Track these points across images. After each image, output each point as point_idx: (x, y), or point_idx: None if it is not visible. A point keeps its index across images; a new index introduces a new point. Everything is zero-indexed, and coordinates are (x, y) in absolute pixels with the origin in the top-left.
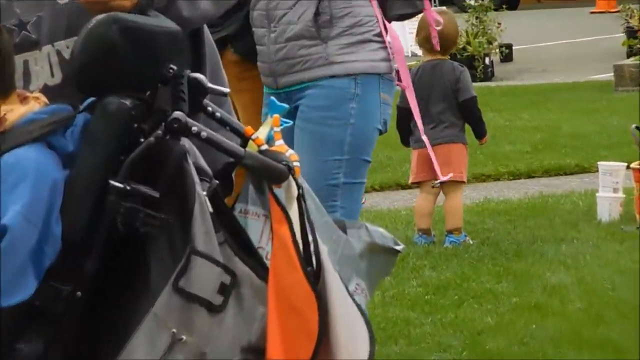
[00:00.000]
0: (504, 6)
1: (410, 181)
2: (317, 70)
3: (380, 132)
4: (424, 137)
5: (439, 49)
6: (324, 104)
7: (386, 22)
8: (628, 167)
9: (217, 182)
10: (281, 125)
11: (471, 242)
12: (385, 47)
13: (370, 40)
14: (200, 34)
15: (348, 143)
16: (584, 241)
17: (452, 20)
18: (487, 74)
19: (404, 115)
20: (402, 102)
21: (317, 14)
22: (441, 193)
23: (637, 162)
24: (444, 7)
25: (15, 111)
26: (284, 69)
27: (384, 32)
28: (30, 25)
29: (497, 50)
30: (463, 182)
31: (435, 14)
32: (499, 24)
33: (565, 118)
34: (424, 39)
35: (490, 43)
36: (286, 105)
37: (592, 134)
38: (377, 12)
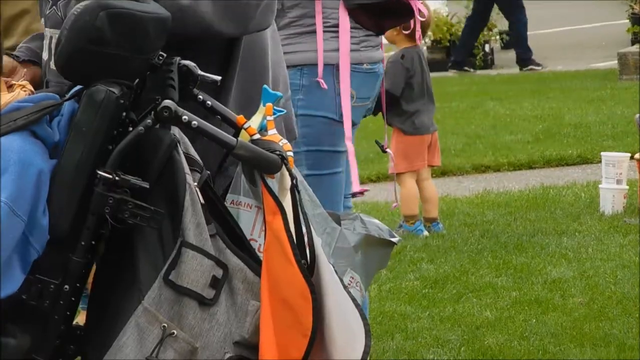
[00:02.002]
0: None
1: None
2: None
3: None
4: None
5: (421, 40)
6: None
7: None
8: (632, 158)
9: (208, 172)
10: (274, 114)
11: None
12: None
13: (324, 31)
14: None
15: (300, 135)
16: (586, 234)
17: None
18: (487, 62)
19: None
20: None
21: None
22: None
23: None
24: None
25: (1, 98)
26: None
27: (337, 23)
28: (61, 3)
29: (498, 37)
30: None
31: (420, 4)
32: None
33: (568, 107)
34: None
35: (490, 30)
36: (280, 94)
37: (595, 124)
38: (319, 5)
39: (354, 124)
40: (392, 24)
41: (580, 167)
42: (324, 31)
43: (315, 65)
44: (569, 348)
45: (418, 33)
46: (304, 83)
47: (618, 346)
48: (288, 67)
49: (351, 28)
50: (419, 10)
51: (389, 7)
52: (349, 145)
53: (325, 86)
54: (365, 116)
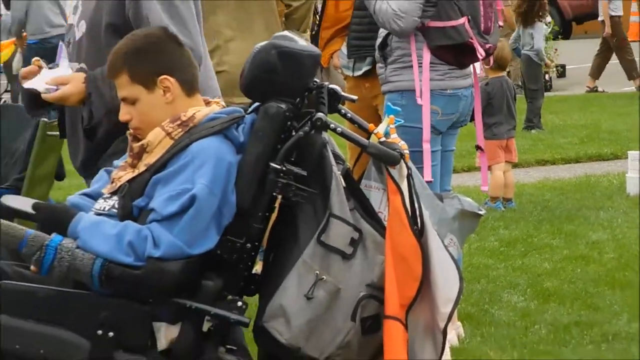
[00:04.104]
0: (559, 36)
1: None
2: (383, 86)
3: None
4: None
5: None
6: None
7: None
8: None
9: (348, 165)
10: (395, 123)
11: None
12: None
13: (411, 66)
14: None
15: (402, 139)
16: (617, 209)
17: (505, 46)
18: (547, 87)
19: None
20: None
21: (383, 45)
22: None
23: None
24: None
25: (202, 111)
26: None
27: (421, 61)
28: None
29: (555, 68)
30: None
31: (480, 47)
32: (556, 49)
33: (604, 119)
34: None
35: (548, 65)
36: (399, 109)
37: (623, 131)
38: (413, 46)
39: (439, 132)
40: (470, 60)
41: (612, 161)
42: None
43: (410, 90)
44: (604, 290)
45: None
46: (403, 103)
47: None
48: (392, 91)
49: (437, 63)
50: (480, 51)
51: (467, 48)
52: (426, 147)
53: (425, 101)
54: (459, 126)
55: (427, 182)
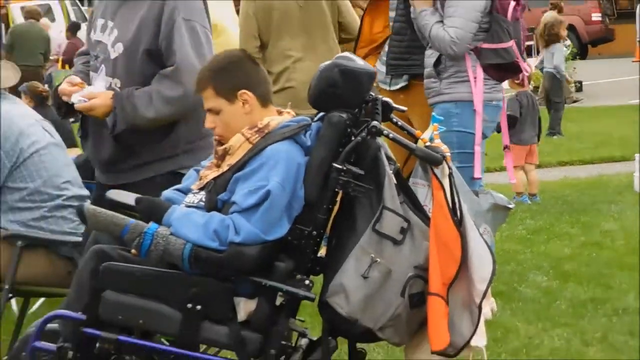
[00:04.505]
0: (577, 57)
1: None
2: (434, 98)
3: (484, 136)
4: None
5: (525, 86)
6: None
7: (478, 69)
8: None
9: (398, 165)
10: (438, 130)
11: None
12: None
13: (466, 81)
14: None
15: (455, 143)
16: (625, 204)
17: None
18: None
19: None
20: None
21: (437, 63)
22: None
23: None
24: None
25: (275, 120)
26: None
27: (475, 76)
28: None
29: (573, 84)
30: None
31: (525, 64)
32: (574, 68)
33: (614, 126)
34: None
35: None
36: (442, 118)
37: (632, 137)
38: (469, 64)
39: (485, 137)
40: (508, 76)
41: (622, 163)
42: (466, 81)
43: (464, 101)
44: (615, 272)
45: (524, 80)
46: (457, 111)
47: None
48: (446, 101)
49: (485, 79)
50: (525, 68)
51: (506, 66)
52: (477, 150)
53: (479, 111)
54: (493, 132)
55: (477, 178)
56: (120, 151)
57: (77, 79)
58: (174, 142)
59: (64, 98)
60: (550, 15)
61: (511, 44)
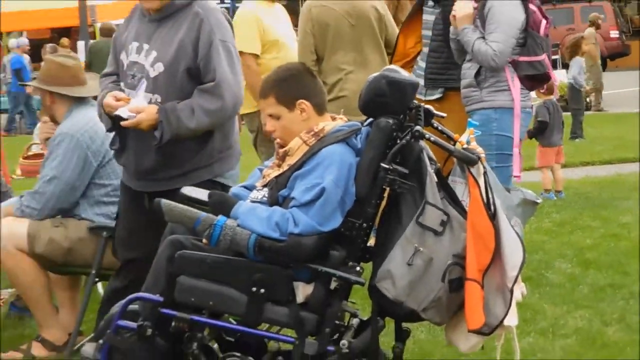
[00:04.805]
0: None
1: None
2: (473, 105)
3: (520, 140)
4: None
5: (554, 94)
6: (478, 124)
7: (515, 79)
8: None
9: (439, 164)
10: (475, 134)
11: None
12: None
13: (505, 90)
14: None
15: (494, 145)
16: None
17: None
18: (588, 107)
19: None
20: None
21: (477, 73)
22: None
23: None
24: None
25: (330, 125)
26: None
27: (514, 86)
28: None
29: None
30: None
31: (555, 75)
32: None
33: (630, 131)
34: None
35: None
36: (477, 123)
37: None
38: (509, 75)
39: (520, 139)
40: (537, 86)
41: (636, 163)
42: (505, 90)
43: (503, 108)
44: (631, 260)
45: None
46: (497, 117)
47: None
48: (487, 108)
49: (521, 88)
50: (555, 78)
51: (538, 77)
52: (515, 151)
53: (519, 114)
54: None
55: (516, 176)
56: (162, 161)
57: (122, 94)
58: (209, 152)
59: (107, 110)
60: (588, 31)
61: (544, 57)
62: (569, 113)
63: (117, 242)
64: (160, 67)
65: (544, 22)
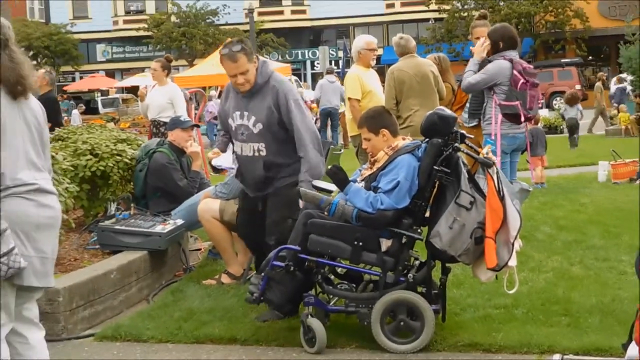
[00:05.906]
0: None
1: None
2: (483, 130)
3: (504, 152)
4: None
5: (537, 124)
6: (489, 142)
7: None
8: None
9: (469, 167)
10: (491, 149)
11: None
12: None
13: (490, 123)
14: None
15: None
16: (593, 188)
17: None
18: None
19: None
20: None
21: (484, 112)
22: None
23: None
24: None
25: (401, 142)
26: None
27: (495, 122)
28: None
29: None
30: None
31: (540, 113)
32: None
33: (586, 146)
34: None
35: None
36: (492, 142)
37: (597, 153)
38: (494, 113)
39: (506, 153)
40: (515, 121)
41: (592, 166)
42: (491, 123)
43: (489, 133)
44: (589, 226)
45: (538, 121)
46: (493, 140)
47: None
48: (485, 133)
49: (504, 121)
50: (525, 117)
51: (512, 114)
52: (498, 159)
53: (499, 137)
54: (520, 151)
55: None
56: (267, 176)
57: (217, 150)
58: (295, 168)
59: (213, 161)
60: (597, 85)
61: (517, 103)
62: (551, 135)
63: (238, 225)
64: (260, 126)
65: (521, 81)
